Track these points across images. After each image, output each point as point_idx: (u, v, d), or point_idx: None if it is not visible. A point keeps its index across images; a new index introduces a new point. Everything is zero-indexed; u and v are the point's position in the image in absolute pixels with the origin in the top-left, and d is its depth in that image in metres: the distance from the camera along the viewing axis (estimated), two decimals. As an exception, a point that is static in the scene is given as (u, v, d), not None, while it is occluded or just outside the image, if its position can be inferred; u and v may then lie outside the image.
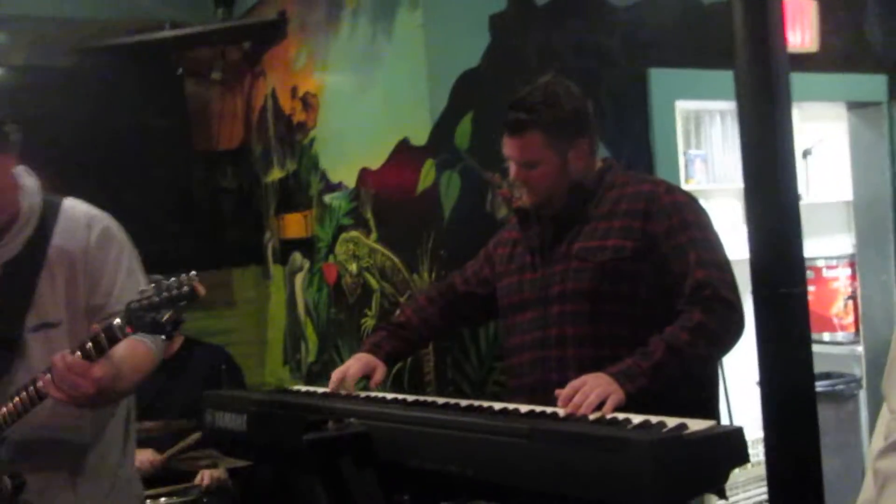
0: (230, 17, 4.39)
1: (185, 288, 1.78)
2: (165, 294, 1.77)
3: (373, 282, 3.47)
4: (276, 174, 4.31)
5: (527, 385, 2.33)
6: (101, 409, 2.08)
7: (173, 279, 1.79)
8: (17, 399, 1.94)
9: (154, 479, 3.22)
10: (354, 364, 2.38)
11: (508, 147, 2.32)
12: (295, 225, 4.15)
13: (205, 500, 3.31)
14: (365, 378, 2.40)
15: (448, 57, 3.06)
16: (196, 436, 3.14)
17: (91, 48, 4.23)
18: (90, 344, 1.82)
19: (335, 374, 2.37)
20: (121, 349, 1.89)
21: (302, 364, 4.19)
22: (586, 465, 1.58)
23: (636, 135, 3.39)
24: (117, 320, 1.80)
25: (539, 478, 1.64)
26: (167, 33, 4.24)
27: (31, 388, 1.92)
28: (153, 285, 1.79)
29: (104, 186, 4.14)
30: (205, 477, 3.38)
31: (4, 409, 1.95)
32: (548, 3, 3.24)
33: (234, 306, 4.62)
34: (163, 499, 3.23)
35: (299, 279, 4.15)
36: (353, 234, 3.60)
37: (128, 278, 2.08)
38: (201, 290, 1.77)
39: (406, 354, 2.65)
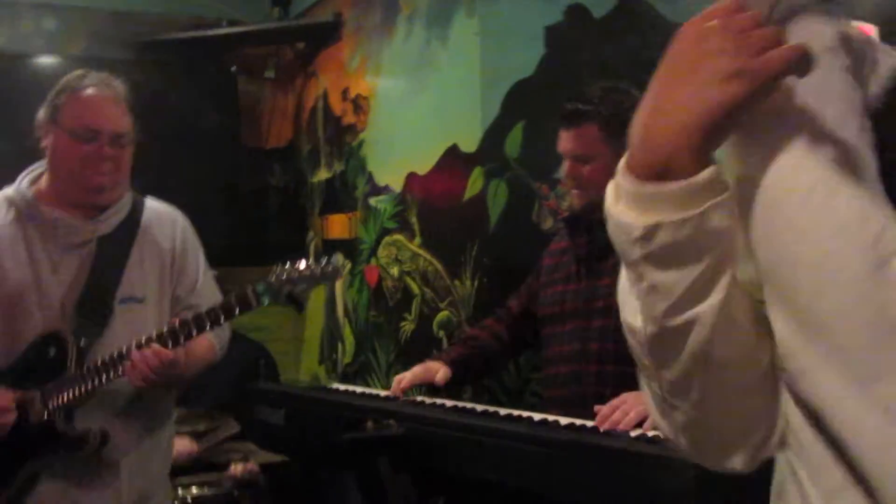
0: (286, 16, 4.43)
1: (330, 268, 2.05)
2: (307, 272, 2.01)
3: (414, 286, 3.48)
4: (322, 174, 4.34)
5: (562, 397, 2.31)
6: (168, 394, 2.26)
7: (315, 260, 2.06)
8: (110, 363, 2.07)
9: (185, 467, 3.25)
10: (416, 368, 2.37)
11: (563, 140, 2.30)
12: (338, 226, 4.17)
13: (236, 492, 3.32)
14: (424, 385, 2.39)
15: (502, 66, 3.06)
16: (234, 429, 3.16)
17: (147, 42, 4.29)
18: (220, 309, 2.03)
19: (396, 379, 2.35)
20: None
21: (338, 364, 4.21)
22: (627, 482, 1.57)
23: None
24: (258, 286, 2.01)
25: (578, 492, 1.63)
26: (223, 30, 4.29)
27: (115, 364, 2.05)
28: (289, 264, 2.04)
29: (153, 178, 4.19)
30: (237, 468, 3.39)
31: (96, 370, 2.07)
32: (604, 16, 3.22)
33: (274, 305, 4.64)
34: (194, 488, 3.25)
35: (340, 280, 4.16)
36: (397, 237, 3.61)
37: (207, 275, 2.31)
38: (342, 272, 1.98)
39: (477, 363, 2.52)
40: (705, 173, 0.73)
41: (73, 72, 2.23)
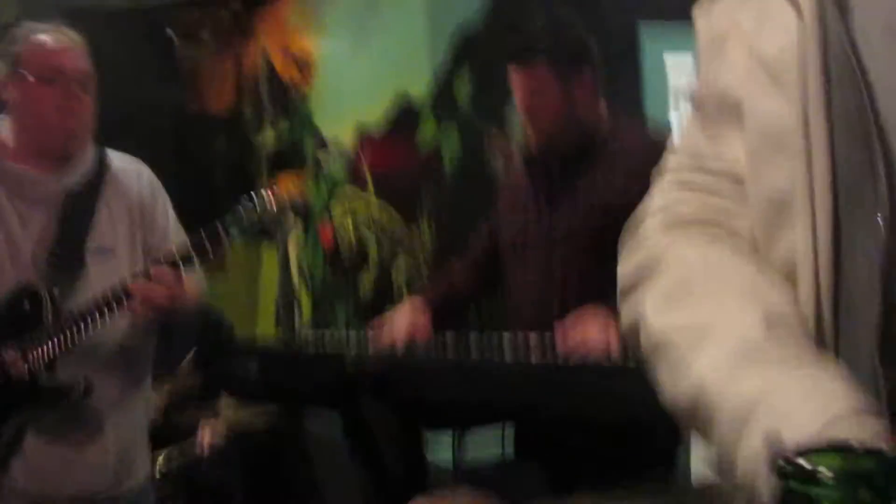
0: (220, -22, 4.39)
1: (298, 200, 2.11)
2: (275, 203, 2.04)
3: (370, 237, 3.50)
4: (268, 136, 4.32)
5: (528, 322, 2.35)
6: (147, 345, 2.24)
7: (274, 194, 2.06)
8: (89, 310, 2.02)
9: (153, 436, 3.22)
10: (402, 319, 2.33)
11: (513, 77, 2.34)
12: (288, 185, 4.16)
13: (205, 458, 3.30)
14: None
15: (448, 12, 3.08)
16: (195, 379, 3.15)
17: (82, 9, 4.21)
18: (192, 247, 2.01)
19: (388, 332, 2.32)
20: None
21: (295, 326, 4.22)
22: (597, 389, 1.65)
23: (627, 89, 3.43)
24: (225, 220, 2.01)
25: (559, 402, 1.70)
26: (157, -5, 4.23)
27: (93, 311, 2.01)
28: (254, 197, 2.05)
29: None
30: (206, 435, 3.38)
31: (75, 319, 2.03)
32: (546, -42, 3.26)
33: (226, 270, 4.63)
34: (160, 459, 3.21)
35: (293, 240, 4.17)
36: (349, 190, 3.63)
37: (176, 224, 2.29)
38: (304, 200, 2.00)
39: (455, 300, 2.53)
40: None
41: (23, 26, 2.19)
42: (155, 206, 2.26)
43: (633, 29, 3.43)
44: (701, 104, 0.86)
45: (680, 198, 0.85)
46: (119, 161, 2.28)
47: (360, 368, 1.99)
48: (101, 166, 2.23)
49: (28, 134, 2.15)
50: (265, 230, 2.06)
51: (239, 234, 2.05)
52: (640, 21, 3.45)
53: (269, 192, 2.09)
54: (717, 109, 0.82)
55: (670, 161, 0.90)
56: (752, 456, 0.63)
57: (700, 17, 0.86)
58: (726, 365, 0.70)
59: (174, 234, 2.26)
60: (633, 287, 0.84)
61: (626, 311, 0.84)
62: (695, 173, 0.85)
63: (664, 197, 0.87)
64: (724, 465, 0.69)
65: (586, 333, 1.94)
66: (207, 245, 2.03)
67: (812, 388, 0.65)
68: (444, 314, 2.47)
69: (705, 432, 0.71)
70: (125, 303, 2.02)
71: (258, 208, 2.05)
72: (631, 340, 0.83)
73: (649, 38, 3.47)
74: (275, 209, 2.07)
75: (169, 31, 4.36)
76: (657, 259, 0.82)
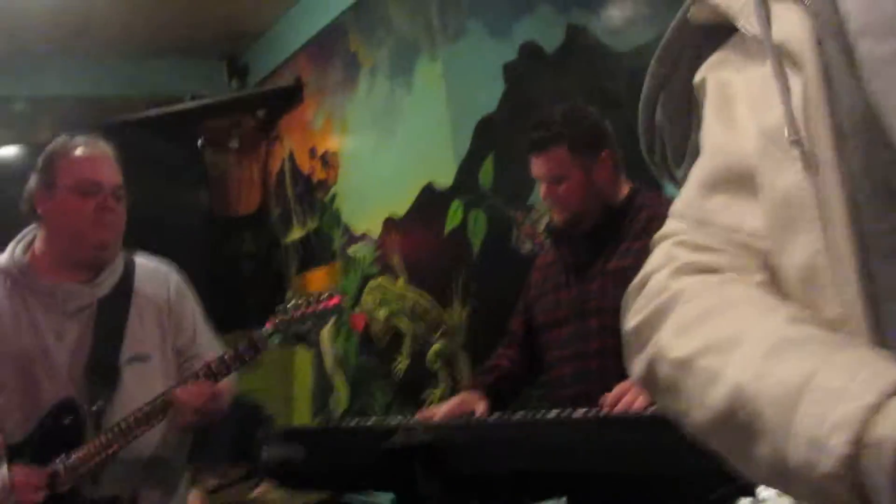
0: (244, 87, 4.58)
1: (331, 303, 2.10)
2: (310, 309, 2.08)
3: (402, 325, 3.59)
4: (296, 234, 4.45)
5: (569, 396, 2.41)
6: (183, 451, 2.28)
7: (315, 295, 2.11)
8: (131, 421, 2.06)
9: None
10: (452, 401, 2.40)
11: (535, 166, 2.45)
12: (318, 280, 4.27)
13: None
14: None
15: (468, 103, 3.23)
16: (241, 472, 3.20)
17: (112, 123, 4.39)
18: (232, 354, 2.08)
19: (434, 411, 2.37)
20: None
21: (332, 415, 4.27)
22: (649, 446, 1.69)
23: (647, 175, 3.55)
24: (266, 328, 2.07)
25: (611, 461, 1.75)
26: (184, 105, 4.42)
27: (135, 421, 2.05)
28: (294, 301, 2.10)
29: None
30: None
31: (117, 431, 2.07)
32: (555, 51, 3.42)
33: (260, 367, 4.70)
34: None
35: (326, 332, 4.25)
36: (380, 281, 3.73)
37: (204, 324, 2.34)
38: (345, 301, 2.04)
39: (507, 387, 2.56)
40: None
41: (58, 139, 2.26)
42: (181, 308, 2.28)
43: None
44: (708, 169, 0.82)
45: (688, 255, 0.81)
46: (147, 265, 2.31)
47: (411, 443, 2.03)
48: (130, 274, 2.24)
49: (62, 246, 2.16)
50: (301, 337, 2.11)
51: (280, 341, 2.10)
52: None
53: (305, 300, 2.11)
54: (727, 177, 0.79)
55: (673, 226, 0.85)
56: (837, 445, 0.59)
57: (709, 71, 0.83)
58: (760, 362, 0.67)
59: (203, 335, 2.30)
60: (648, 335, 0.79)
61: (641, 356, 0.80)
62: (700, 237, 0.81)
63: (671, 256, 0.82)
64: (772, 462, 0.65)
65: (633, 405, 2.00)
66: (247, 358, 2.09)
67: (857, 364, 0.63)
68: (498, 400, 2.50)
69: (745, 437, 0.67)
70: (164, 413, 2.05)
71: (294, 317, 2.09)
72: (647, 383, 0.79)
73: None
74: (311, 316, 2.10)
75: (197, 138, 4.54)
76: (671, 301, 0.78)
